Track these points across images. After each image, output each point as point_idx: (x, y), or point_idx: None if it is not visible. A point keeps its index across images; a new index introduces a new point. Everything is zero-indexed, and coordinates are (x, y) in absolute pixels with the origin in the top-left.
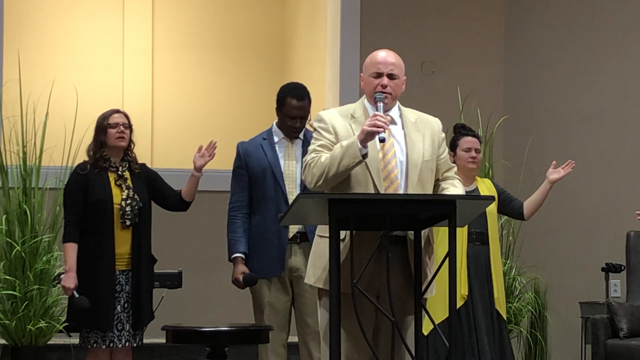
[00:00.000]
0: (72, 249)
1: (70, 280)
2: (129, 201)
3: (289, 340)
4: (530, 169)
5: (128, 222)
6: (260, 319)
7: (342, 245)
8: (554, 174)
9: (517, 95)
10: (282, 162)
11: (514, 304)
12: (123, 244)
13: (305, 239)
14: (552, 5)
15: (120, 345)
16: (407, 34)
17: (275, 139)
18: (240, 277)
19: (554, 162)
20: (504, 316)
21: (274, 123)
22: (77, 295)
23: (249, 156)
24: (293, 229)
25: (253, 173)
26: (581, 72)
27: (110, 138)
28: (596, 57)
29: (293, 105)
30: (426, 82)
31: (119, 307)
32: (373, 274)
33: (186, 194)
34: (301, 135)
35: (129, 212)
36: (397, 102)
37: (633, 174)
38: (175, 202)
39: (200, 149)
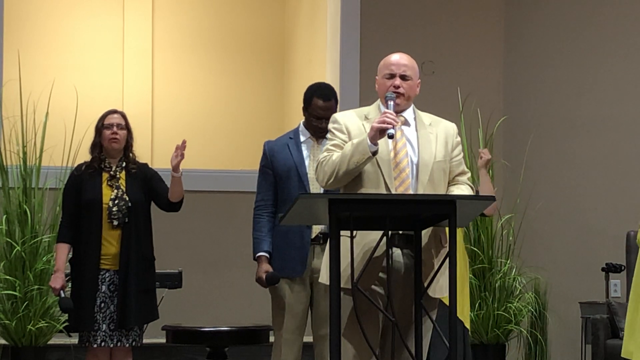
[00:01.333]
0: (62, 249)
1: (57, 280)
2: (116, 201)
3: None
4: (530, 169)
5: (116, 222)
6: (280, 318)
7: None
8: (479, 161)
9: (517, 95)
10: (307, 162)
11: (514, 304)
12: (112, 243)
13: (327, 239)
14: (552, 5)
15: (112, 345)
16: (407, 34)
17: (302, 138)
18: (264, 276)
19: (480, 149)
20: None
21: (301, 122)
22: (62, 296)
23: (275, 155)
24: (316, 230)
25: (278, 172)
26: (581, 72)
27: (104, 139)
28: (596, 57)
29: (319, 106)
30: (426, 82)
31: (112, 307)
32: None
33: (170, 195)
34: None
35: (115, 212)
36: (412, 105)
37: (633, 174)
38: (166, 202)
39: (176, 148)
